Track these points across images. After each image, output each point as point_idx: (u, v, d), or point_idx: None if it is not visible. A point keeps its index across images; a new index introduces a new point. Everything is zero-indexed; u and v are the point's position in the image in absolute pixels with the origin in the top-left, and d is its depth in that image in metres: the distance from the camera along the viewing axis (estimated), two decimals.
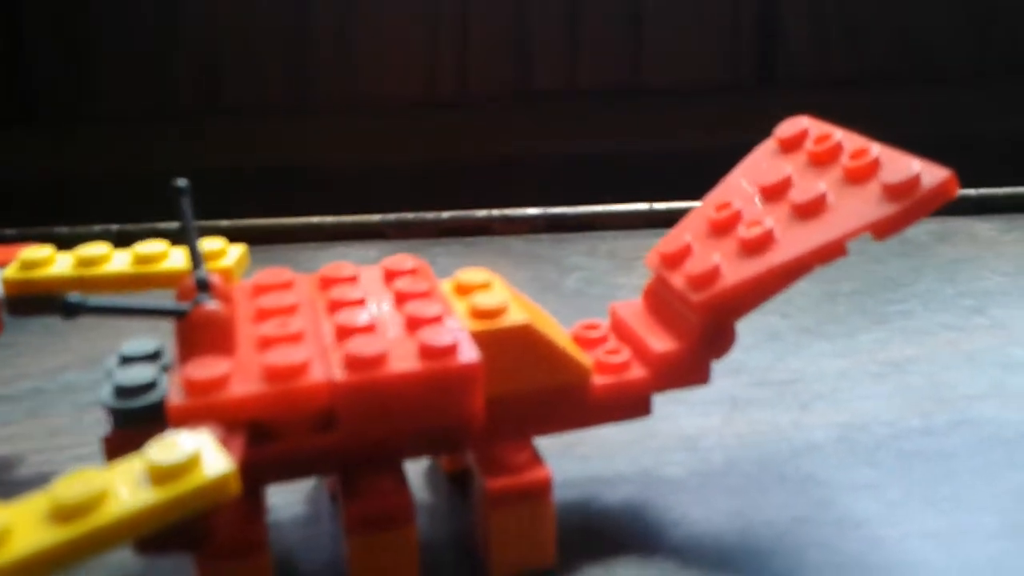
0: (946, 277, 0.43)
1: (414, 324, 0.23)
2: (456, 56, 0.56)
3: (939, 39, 0.59)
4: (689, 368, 0.25)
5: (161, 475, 0.17)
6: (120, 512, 0.17)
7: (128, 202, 0.48)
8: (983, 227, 0.50)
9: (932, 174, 0.22)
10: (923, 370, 0.35)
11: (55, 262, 0.28)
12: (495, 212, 0.50)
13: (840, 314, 0.39)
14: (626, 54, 0.57)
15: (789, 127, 0.27)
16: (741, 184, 0.27)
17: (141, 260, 0.28)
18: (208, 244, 0.28)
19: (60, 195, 0.54)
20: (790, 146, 0.27)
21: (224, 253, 0.28)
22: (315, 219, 0.48)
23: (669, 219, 0.55)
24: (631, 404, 0.25)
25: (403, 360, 0.21)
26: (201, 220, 0.47)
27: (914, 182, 0.22)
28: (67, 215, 0.49)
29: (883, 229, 0.22)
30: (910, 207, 0.22)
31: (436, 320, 0.23)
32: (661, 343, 0.25)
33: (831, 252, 0.23)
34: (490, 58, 0.56)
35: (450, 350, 0.21)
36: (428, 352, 0.21)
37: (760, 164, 0.27)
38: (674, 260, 0.26)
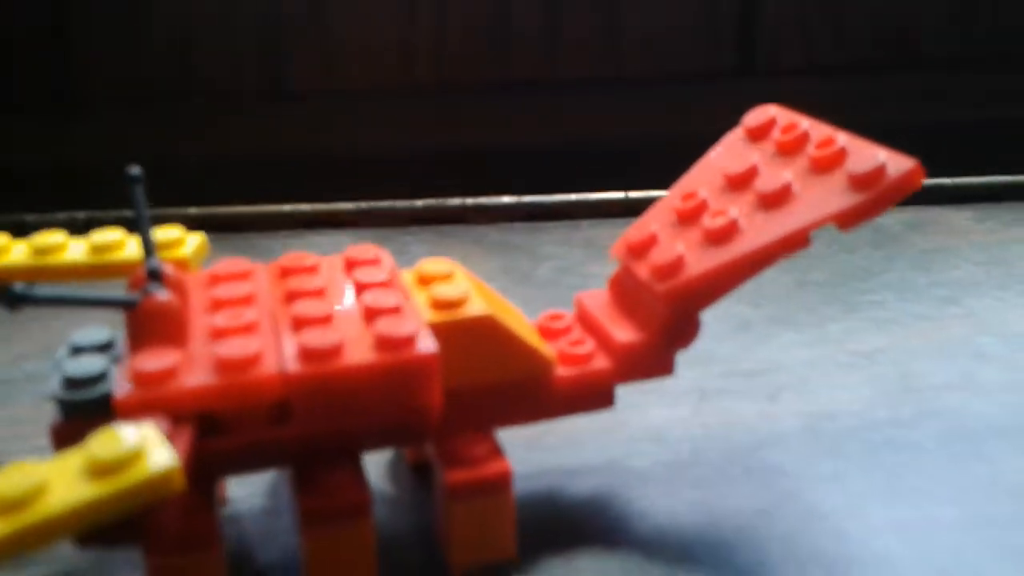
0: (919, 266, 0.43)
1: (372, 315, 0.22)
2: (433, 43, 0.55)
3: (920, 26, 0.58)
4: (653, 359, 0.25)
5: (102, 469, 0.17)
6: (59, 506, 0.16)
7: (97, 188, 0.47)
8: (958, 216, 0.49)
9: (898, 164, 0.22)
10: (893, 360, 0.34)
11: (10, 251, 0.27)
12: (469, 201, 0.49)
13: (811, 303, 0.39)
14: (605, 42, 0.57)
15: (757, 116, 0.27)
16: (708, 173, 0.26)
17: (98, 249, 0.27)
18: (166, 233, 0.27)
19: (27, 182, 0.53)
20: (757, 135, 0.26)
21: (182, 242, 0.27)
22: (287, 207, 0.47)
23: (646, 208, 0.55)
24: (594, 396, 0.25)
25: (358, 352, 0.21)
26: (171, 208, 0.47)
27: (879, 172, 0.21)
28: (33, 202, 0.48)
29: (847, 220, 0.22)
30: (875, 198, 0.21)
31: (394, 311, 0.22)
32: (625, 334, 0.25)
33: (794, 243, 0.22)
34: (467, 46, 0.55)
35: (407, 341, 0.21)
36: (384, 343, 0.21)
37: (727, 153, 0.27)
38: (640, 249, 0.26)
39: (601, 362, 0.25)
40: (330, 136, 0.55)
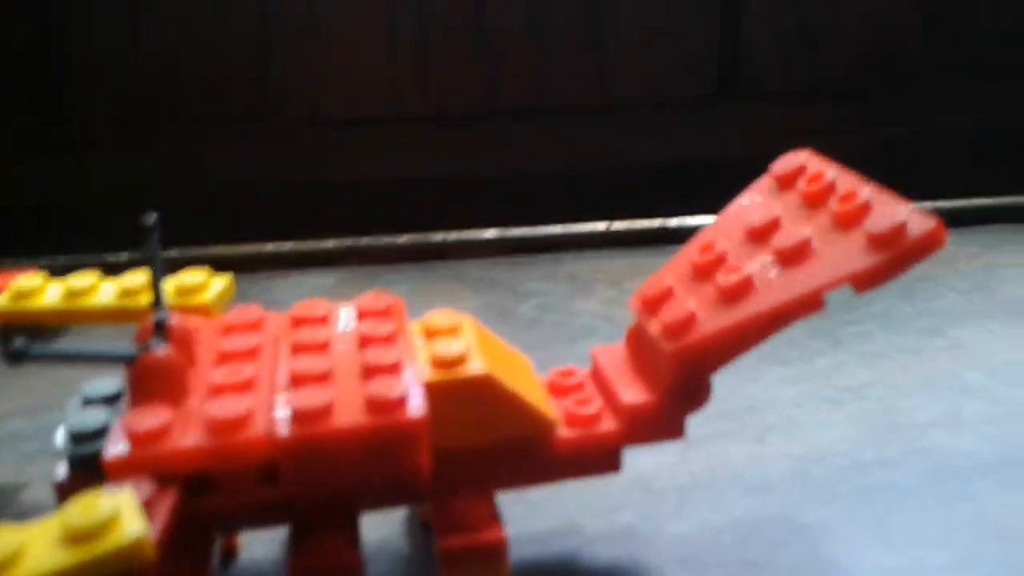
0: (904, 296, 0.42)
1: (369, 373, 0.22)
2: (417, 74, 0.55)
3: (901, 48, 0.58)
4: (661, 422, 0.24)
5: (77, 536, 0.17)
6: (32, 573, 0.17)
7: (82, 228, 0.47)
8: None
9: (919, 223, 0.20)
10: (878, 396, 0.34)
11: (45, 292, 0.28)
12: (452, 236, 0.49)
13: (797, 337, 0.38)
14: (588, 70, 0.57)
15: (785, 163, 0.25)
16: (731, 223, 0.25)
17: (127, 293, 0.27)
18: (190, 277, 0.27)
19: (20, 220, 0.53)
20: (785, 183, 0.25)
21: (205, 287, 0.27)
22: (269, 246, 0.47)
23: (629, 238, 0.55)
24: (598, 459, 0.24)
25: (347, 413, 0.20)
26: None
27: (899, 232, 0.20)
28: (28, 240, 0.48)
29: (862, 282, 0.21)
30: (892, 259, 0.20)
31: (391, 369, 0.22)
32: (633, 394, 0.24)
33: (807, 305, 0.22)
34: (452, 76, 0.56)
35: (397, 404, 0.20)
36: (374, 405, 0.20)
37: (753, 202, 0.25)
38: (653, 304, 0.25)
39: (607, 424, 0.24)
40: (309, 168, 0.55)
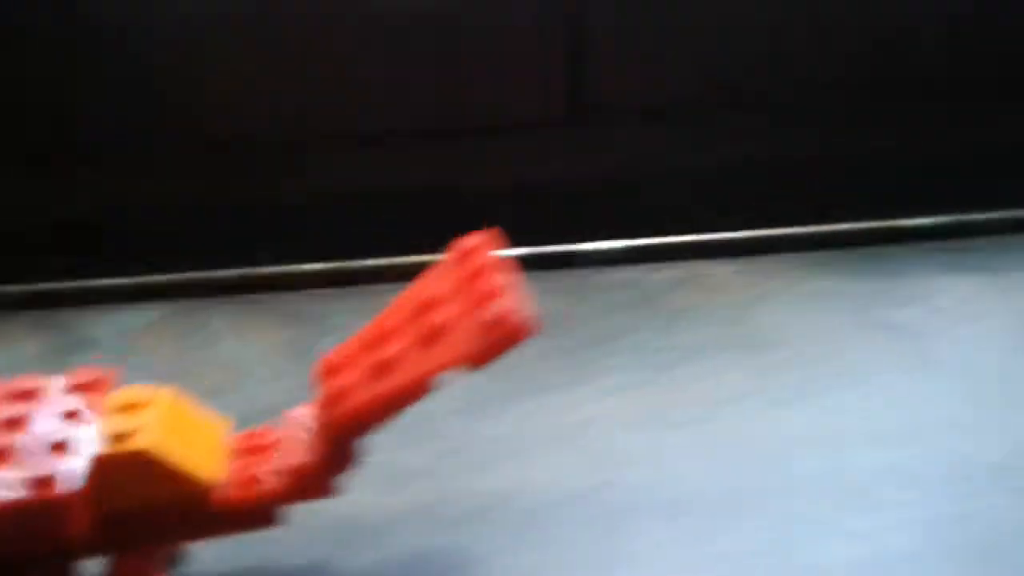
0: (664, 328, 0.43)
1: (46, 449, 0.24)
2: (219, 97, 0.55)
3: (748, 70, 0.58)
4: (313, 483, 0.26)
5: None
6: None
7: None
8: (722, 270, 0.49)
9: (514, 315, 0.23)
10: (595, 431, 0.35)
11: None
12: (270, 269, 0.51)
13: (545, 371, 0.39)
14: (431, 92, 0.56)
15: (464, 242, 0.28)
16: (412, 296, 0.27)
17: None
18: None
19: None
20: (460, 261, 0.27)
21: None
22: (90, 282, 0.48)
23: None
24: (255, 517, 0.26)
25: (6, 490, 0.23)
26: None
27: (499, 321, 0.23)
28: None
29: (470, 363, 0.24)
30: (490, 345, 0.23)
31: (65, 446, 0.24)
32: (292, 457, 0.27)
33: (425, 385, 0.24)
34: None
35: (52, 480, 0.23)
36: (34, 482, 0.23)
37: (433, 276, 0.28)
38: (327, 372, 0.27)
39: (268, 484, 0.26)
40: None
